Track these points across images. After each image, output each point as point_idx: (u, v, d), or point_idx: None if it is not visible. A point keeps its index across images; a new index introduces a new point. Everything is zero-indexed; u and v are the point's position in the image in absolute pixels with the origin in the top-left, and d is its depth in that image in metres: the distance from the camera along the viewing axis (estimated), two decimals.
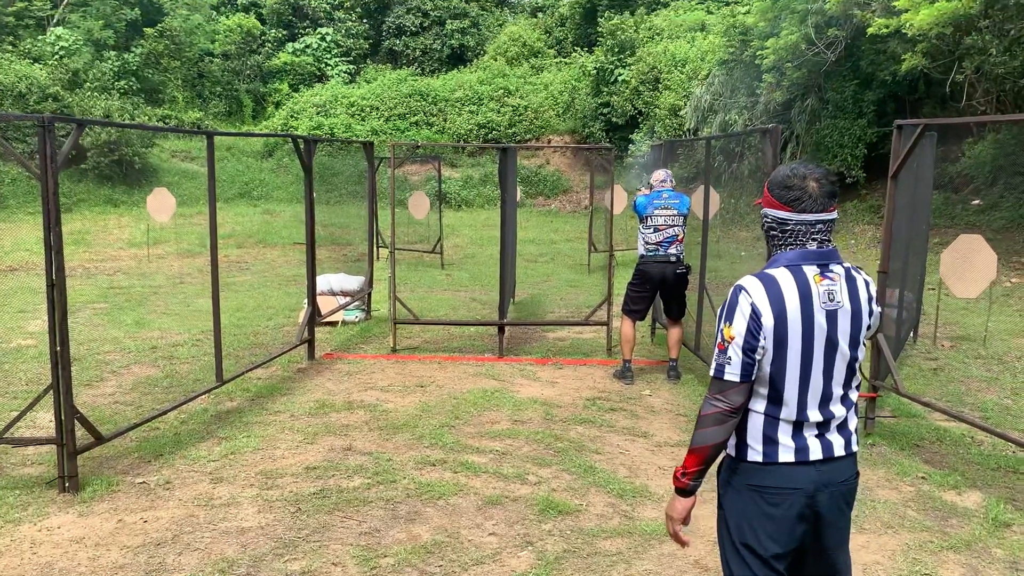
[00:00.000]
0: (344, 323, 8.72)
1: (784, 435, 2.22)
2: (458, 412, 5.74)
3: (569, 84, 25.49)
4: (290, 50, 28.89)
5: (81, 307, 9.53)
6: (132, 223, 17.08)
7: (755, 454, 2.24)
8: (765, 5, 16.14)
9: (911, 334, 7.74)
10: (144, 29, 25.15)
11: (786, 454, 2.22)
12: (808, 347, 2.18)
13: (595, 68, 23.09)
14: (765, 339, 2.17)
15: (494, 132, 25.05)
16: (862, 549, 3.73)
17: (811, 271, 2.21)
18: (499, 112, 25.40)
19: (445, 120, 25.60)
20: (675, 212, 6.57)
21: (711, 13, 24.49)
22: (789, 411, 2.21)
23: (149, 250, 14.54)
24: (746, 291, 2.20)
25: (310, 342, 7.27)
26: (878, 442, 5.21)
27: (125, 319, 8.94)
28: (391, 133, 24.52)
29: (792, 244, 2.24)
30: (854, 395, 2.30)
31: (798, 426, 2.22)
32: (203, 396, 5.80)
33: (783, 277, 2.20)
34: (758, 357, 2.18)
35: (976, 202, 13.72)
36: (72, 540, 3.79)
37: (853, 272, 2.27)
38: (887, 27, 12.43)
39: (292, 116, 25.33)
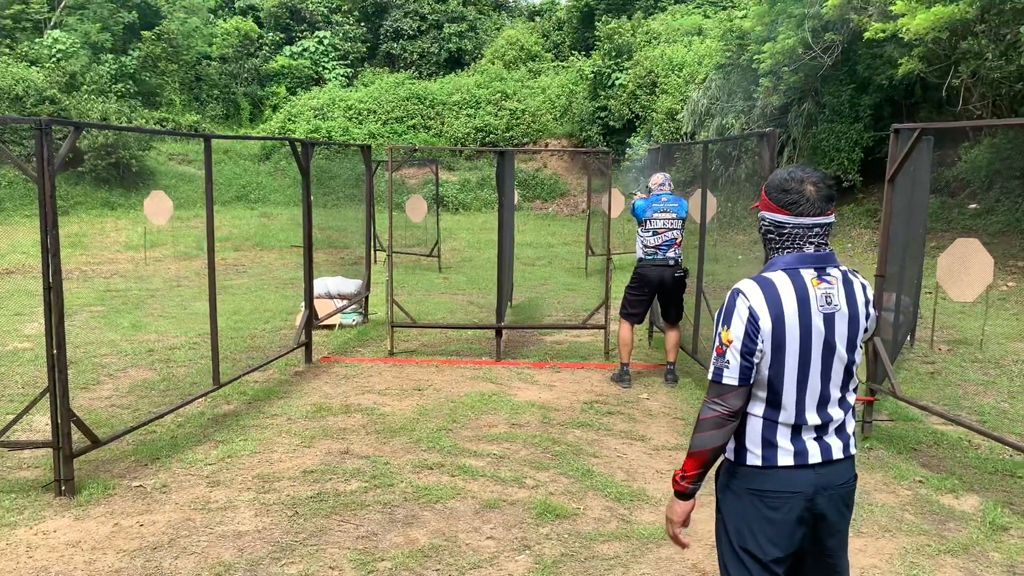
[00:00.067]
0: (341, 326, 8.71)
1: (783, 438, 2.22)
2: (455, 415, 5.74)
3: (566, 88, 25.54)
4: (287, 53, 28.91)
5: (78, 310, 9.51)
6: (129, 226, 17.05)
7: (754, 458, 2.23)
8: (762, 9, 16.18)
9: (908, 338, 7.75)
10: (141, 32, 25.14)
11: (785, 457, 2.21)
12: (806, 350, 2.18)
13: (592, 72, 23.14)
14: (763, 343, 2.17)
15: (491, 136, 25.08)
16: (860, 553, 3.73)
17: (808, 274, 2.21)
18: (496, 116, 25.43)
19: (442, 124, 25.62)
20: (674, 215, 6.57)
21: (708, 17, 24.57)
22: (787, 414, 2.21)
23: (146, 253, 14.52)
24: (744, 295, 2.20)
25: (307, 345, 7.26)
26: (875, 446, 5.21)
27: (122, 322, 8.92)
28: (388, 136, 24.53)
29: (789, 248, 2.24)
30: (852, 398, 2.31)
31: (796, 429, 2.22)
32: (200, 399, 5.79)
33: (780, 281, 2.20)
34: (756, 361, 2.18)
35: (973, 206, 13.75)
36: (68, 544, 3.78)
37: (850, 275, 2.27)
38: (884, 31, 12.47)
39: (289, 119, 25.34)
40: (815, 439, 2.23)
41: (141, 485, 4.45)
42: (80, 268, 13.41)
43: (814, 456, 2.22)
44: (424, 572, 3.57)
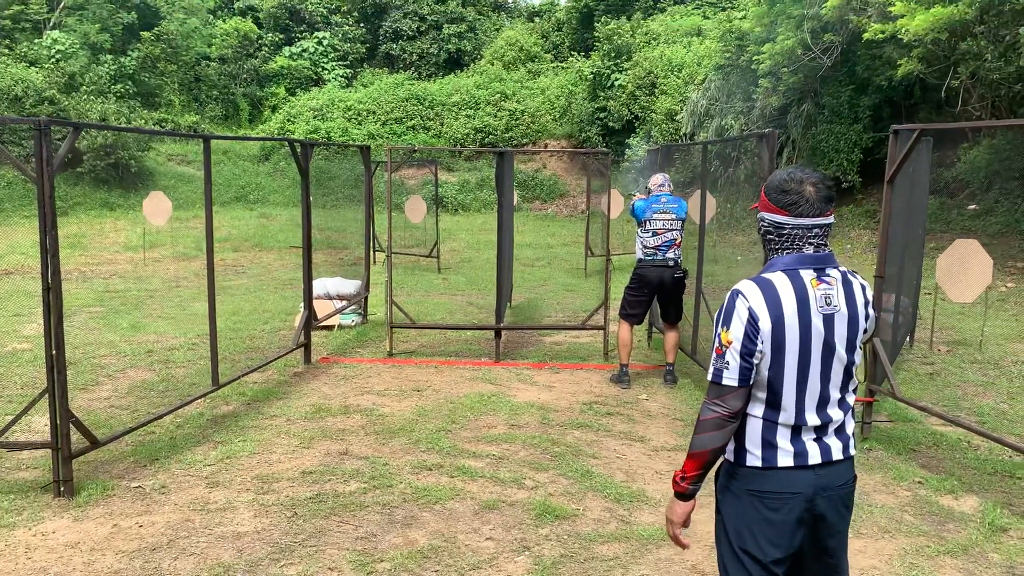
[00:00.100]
0: (340, 327, 8.71)
1: (783, 439, 2.22)
2: (455, 416, 5.73)
3: (566, 88, 25.54)
4: (287, 54, 28.91)
5: (77, 311, 9.50)
6: (128, 227, 17.05)
7: (754, 459, 2.23)
8: (761, 10, 16.20)
9: (907, 339, 7.75)
10: (141, 33, 25.15)
11: (785, 458, 2.21)
12: (805, 351, 2.18)
13: (592, 73, 23.15)
14: (763, 343, 2.17)
15: (491, 136, 25.08)
16: (859, 554, 3.73)
17: (808, 275, 2.21)
18: (496, 116, 25.43)
19: (442, 124, 25.62)
20: (673, 216, 6.57)
21: (707, 18, 24.58)
22: (787, 415, 2.21)
23: (145, 254, 14.52)
24: (743, 296, 2.20)
25: (306, 346, 7.26)
26: (875, 447, 5.21)
27: (121, 323, 8.91)
28: (388, 137, 24.53)
29: (789, 248, 2.24)
30: (851, 399, 2.31)
31: (796, 430, 2.22)
32: (199, 400, 5.79)
33: (780, 281, 2.20)
34: (756, 361, 2.18)
35: (972, 207, 13.76)
36: (67, 545, 3.77)
37: (849, 276, 2.27)
38: (883, 32, 12.48)
39: (289, 120, 25.34)
40: (815, 440, 2.23)
41: (140, 486, 4.44)
42: (79, 269, 13.40)
43: (814, 457, 2.22)
44: (423, 573, 3.56)
